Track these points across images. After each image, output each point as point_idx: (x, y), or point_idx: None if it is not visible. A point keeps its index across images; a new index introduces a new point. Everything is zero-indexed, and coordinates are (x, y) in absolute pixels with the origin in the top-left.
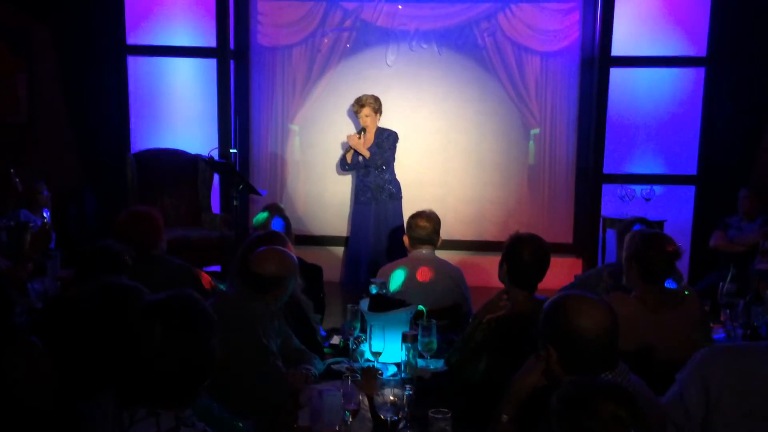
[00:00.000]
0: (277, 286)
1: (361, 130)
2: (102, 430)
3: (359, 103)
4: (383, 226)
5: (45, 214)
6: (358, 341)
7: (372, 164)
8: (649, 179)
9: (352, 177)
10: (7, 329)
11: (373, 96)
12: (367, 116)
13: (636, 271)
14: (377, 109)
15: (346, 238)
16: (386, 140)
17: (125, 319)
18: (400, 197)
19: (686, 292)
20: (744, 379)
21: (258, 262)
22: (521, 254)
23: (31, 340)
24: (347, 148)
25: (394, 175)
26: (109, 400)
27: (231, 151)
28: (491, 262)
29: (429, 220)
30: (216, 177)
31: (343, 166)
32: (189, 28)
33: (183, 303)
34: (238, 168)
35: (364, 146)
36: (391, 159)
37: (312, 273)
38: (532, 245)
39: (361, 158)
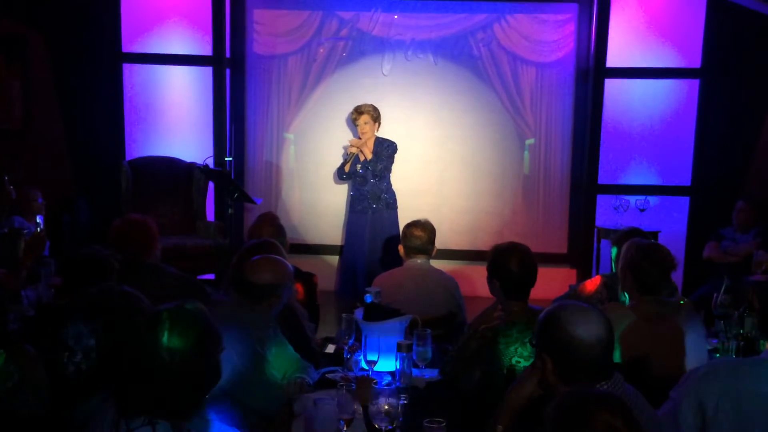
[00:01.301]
0: (272, 295)
1: (360, 139)
2: None
3: (358, 111)
4: (379, 235)
5: (38, 220)
6: (353, 350)
7: (371, 167)
8: (644, 190)
9: (348, 186)
10: (1, 336)
11: (371, 105)
12: (365, 123)
13: (631, 281)
14: (376, 117)
15: (341, 247)
16: (385, 150)
17: (123, 326)
18: (396, 207)
19: (681, 302)
20: (740, 396)
21: (253, 270)
22: (509, 267)
23: (25, 347)
24: (346, 158)
25: (390, 184)
26: (106, 408)
27: (226, 159)
28: (486, 272)
29: (424, 229)
30: (211, 185)
31: (341, 175)
32: (185, 36)
33: (191, 315)
34: (233, 176)
35: (366, 151)
36: (388, 168)
37: (306, 282)
38: (517, 255)
39: (359, 167)
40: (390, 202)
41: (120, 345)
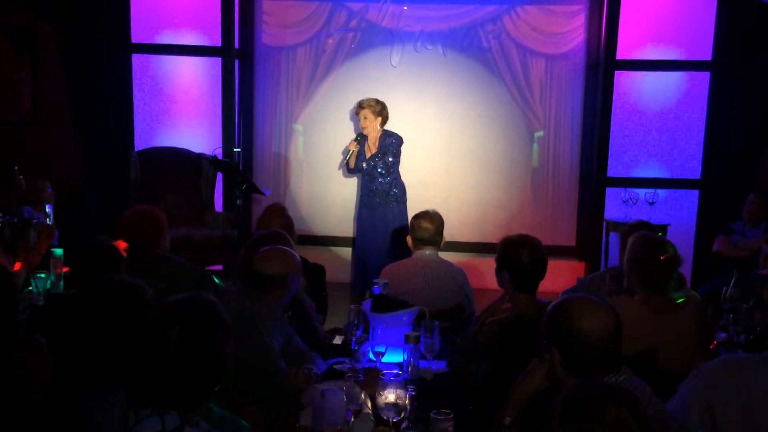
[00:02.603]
0: (280, 286)
1: (359, 136)
2: (107, 427)
3: (359, 105)
4: (389, 228)
5: (48, 210)
6: (361, 341)
7: (377, 163)
8: (653, 183)
9: (358, 180)
10: (11, 327)
11: (375, 99)
12: (365, 118)
13: (636, 277)
14: (378, 112)
15: (353, 240)
16: (390, 146)
17: (129, 317)
18: (405, 200)
19: (690, 295)
20: (750, 394)
21: (261, 261)
22: (520, 258)
23: (35, 337)
24: (346, 154)
25: (400, 178)
26: (115, 398)
27: (235, 150)
28: (494, 265)
29: (432, 221)
30: (219, 176)
31: (348, 169)
32: (194, 26)
33: (202, 307)
34: (241, 167)
35: (368, 150)
36: (396, 165)
37: (314, 273)
38: (528, 247)
39: (365, 164)
40: (399, 196)
41: (128, 336)
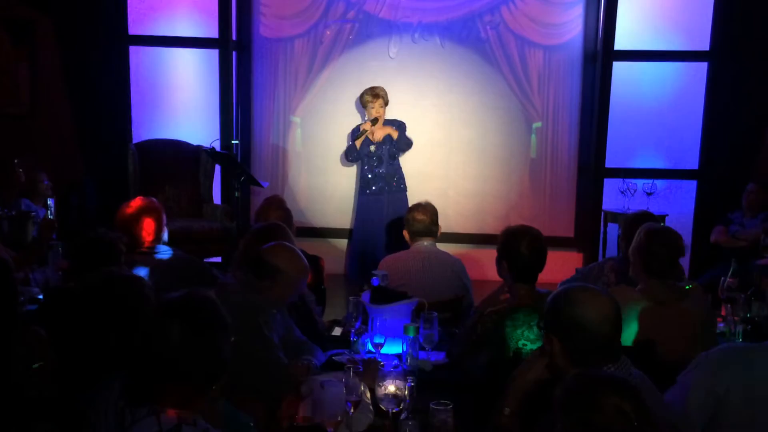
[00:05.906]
0: (282, 281)
1: (374, 121)
2: (103, 426)
3: (374, 94)
4: (394, 215)
5: (50, 203)
6: (360, 333)
7: (387, 147)
8: (651, 173)
9: (357, 168)
10: (11, 319)
11: (382, 87)
12: (381, 107)
13: (639, 264)
14: (387, 102)
15: (350, 231)
16: (399, 128)
17: (127, 311)
18: (406, 189)
19: (689, 287)
20: (751, 382)
21: (269, 253)
22: (519, 249)
23: (35, 330)
24: (356, 134)
25: (400, 167)
26: (111, 397)
27: (233, 142)
28: (492, 256)
29: (425, 212)
30: (218, 168)
31: (349, 156)
32: (191, 18)
33: (201, 304)
34: (239, 159)
35: (383, 132)
36: (409, 143)
37: (312, 265)
38: (528, 237)
39: (372, 148)
40: (401, 184)
41: (127, 330)
